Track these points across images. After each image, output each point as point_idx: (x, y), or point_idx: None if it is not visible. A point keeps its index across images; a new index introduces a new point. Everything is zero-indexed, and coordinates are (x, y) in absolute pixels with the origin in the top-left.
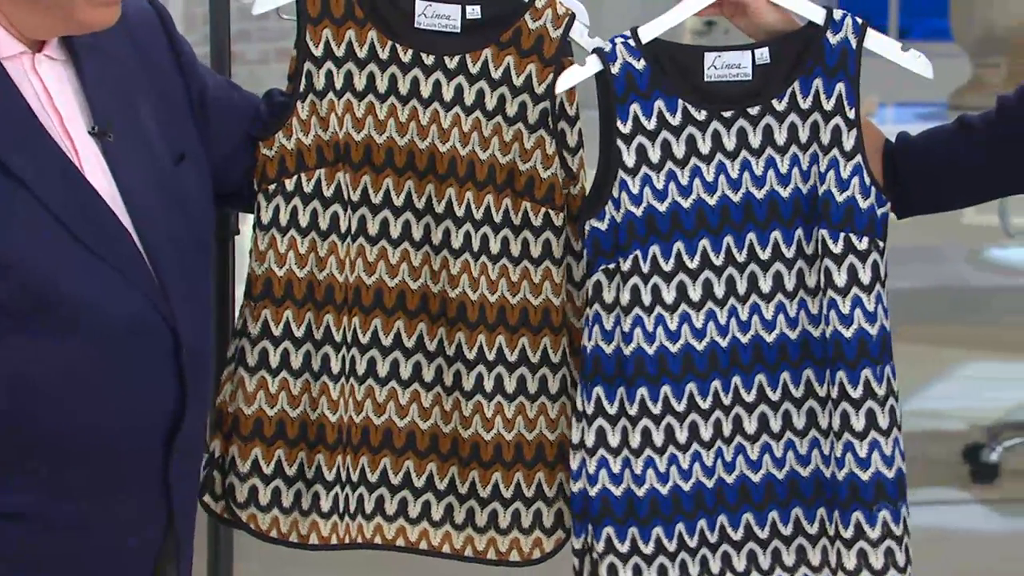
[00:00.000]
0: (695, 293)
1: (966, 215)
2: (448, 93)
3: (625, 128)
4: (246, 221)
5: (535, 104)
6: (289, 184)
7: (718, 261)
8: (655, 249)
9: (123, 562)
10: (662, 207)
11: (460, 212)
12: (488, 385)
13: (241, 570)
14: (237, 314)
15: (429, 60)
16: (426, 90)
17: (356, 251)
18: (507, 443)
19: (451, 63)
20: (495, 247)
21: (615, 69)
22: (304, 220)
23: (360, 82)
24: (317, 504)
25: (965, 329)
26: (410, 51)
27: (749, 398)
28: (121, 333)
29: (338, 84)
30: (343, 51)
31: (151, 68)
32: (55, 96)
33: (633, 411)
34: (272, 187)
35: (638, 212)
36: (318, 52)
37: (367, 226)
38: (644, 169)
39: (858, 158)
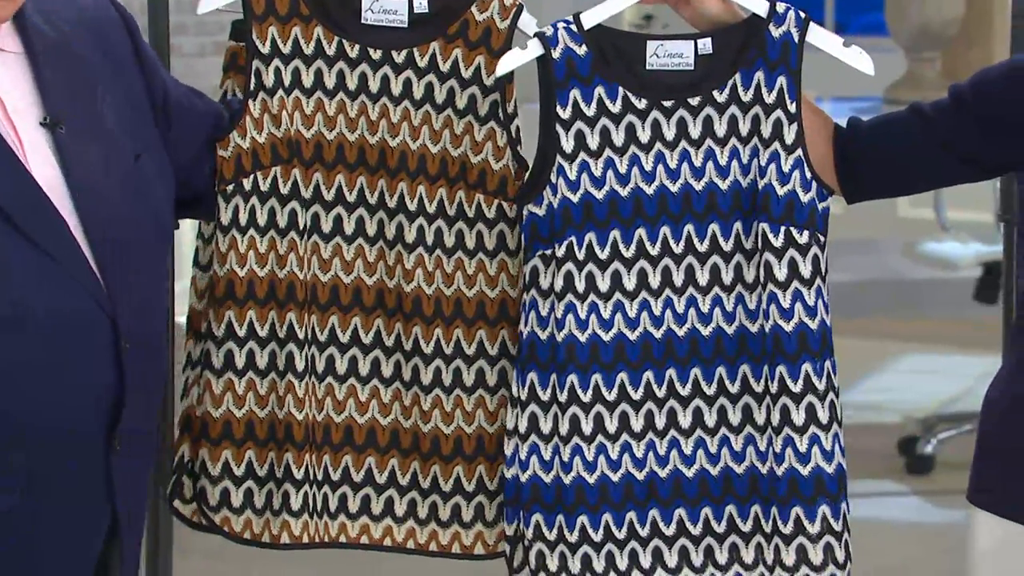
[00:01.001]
0: (630, 282)
1: (901, 208)
2: (397, 88)
3: (564, 113)
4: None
5: (485, 96)
6: (246, 183)
7: (654, 251)
8: (591, 236)
9: (63, 558)
10: (599, 194)
11: (413, 206)
12: (446, 379)
13: (181, 566)
14: (197, 316)
15: (377, 55)
16: (375, 85)
17: (311, 248)
18: (467, 436)
19: (399, 57)
20: (450, 240)
21: (556, 54)
22: (262, 219)
23: (308, 79)
24: (288, 503)
25: (900, 322)
26: (357, 46)
27: (684, 392)
28: (56, 322)
29: (287, 81)
30: (290, 48)
31: (115, 67)
32: None
33: (563, 398)
34: (230, 187)
35: (575, 198)
36: (265, 49)
37: (321, 223)
38: (582, 155)
39: (799, 152)
